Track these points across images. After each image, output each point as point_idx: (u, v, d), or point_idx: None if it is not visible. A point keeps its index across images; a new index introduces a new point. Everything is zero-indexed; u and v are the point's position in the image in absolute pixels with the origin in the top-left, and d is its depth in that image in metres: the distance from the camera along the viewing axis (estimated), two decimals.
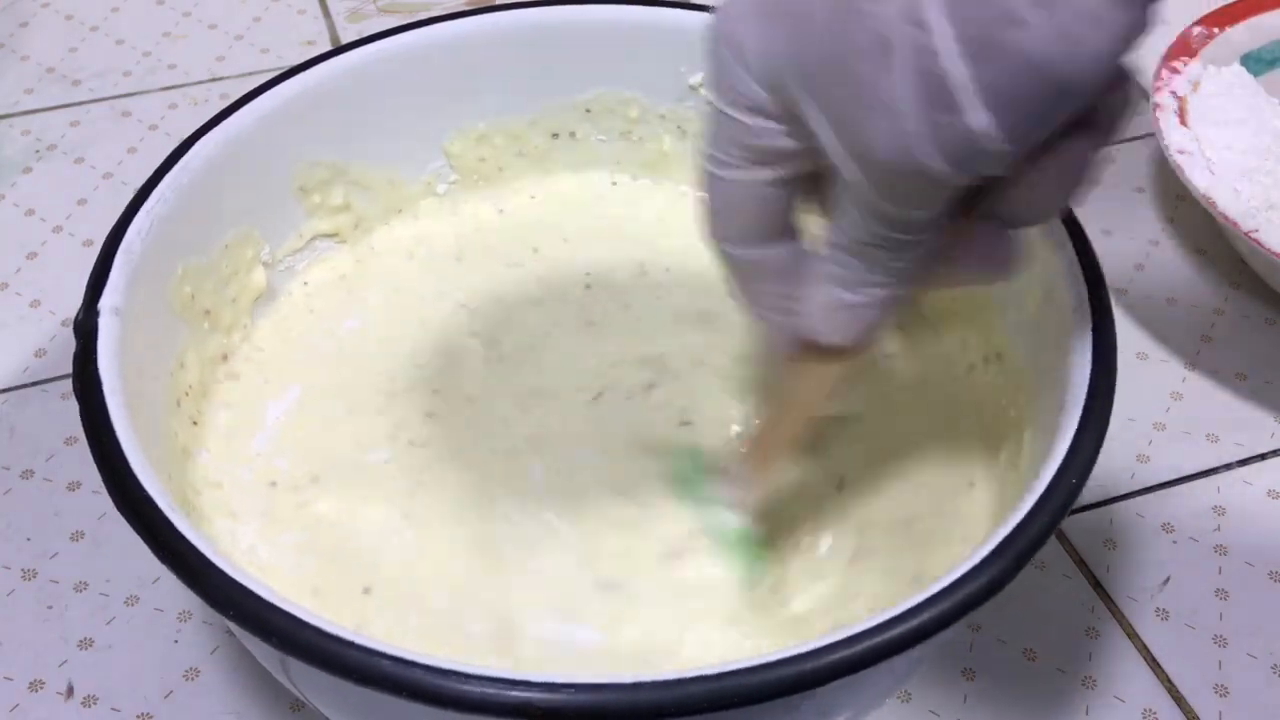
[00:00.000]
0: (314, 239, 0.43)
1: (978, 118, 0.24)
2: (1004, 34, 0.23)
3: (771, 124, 0.27)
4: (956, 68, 0.23)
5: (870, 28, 0.24)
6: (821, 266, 0.29)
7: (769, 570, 0.35)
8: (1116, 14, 0.23)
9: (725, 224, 0.30)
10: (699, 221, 0.30)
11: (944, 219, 0.27)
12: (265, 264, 0.41)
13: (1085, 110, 0.25)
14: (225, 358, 0.40)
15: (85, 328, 0.33)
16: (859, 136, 0.25)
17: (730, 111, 0.27)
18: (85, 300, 0.33)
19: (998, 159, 0.25)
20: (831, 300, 0.29)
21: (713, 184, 0.29)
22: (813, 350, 0.31)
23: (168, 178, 0.37)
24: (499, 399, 0.39)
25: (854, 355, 0.31)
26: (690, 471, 0.37)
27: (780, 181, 0.28)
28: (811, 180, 0.29)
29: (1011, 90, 0.23)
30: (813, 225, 0.30)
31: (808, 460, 0.37)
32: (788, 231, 0.30)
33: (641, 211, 0.46)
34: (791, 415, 0.34)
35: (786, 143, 0.27)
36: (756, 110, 0.27)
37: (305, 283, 0.43)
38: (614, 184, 0.47)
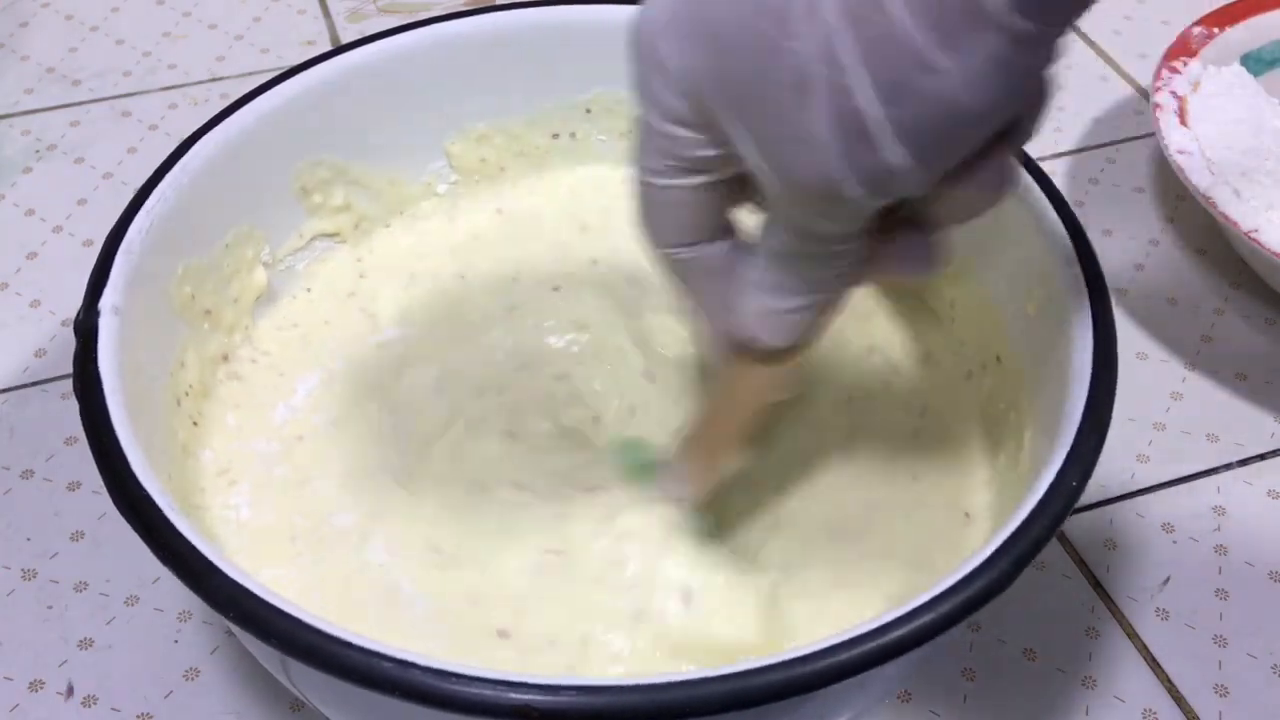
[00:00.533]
0: (315, 239, 0.43)
1: (894, 153, 0.24)
2: (917, 79, 0.23)
3: (695, 134, 0.27)
4: (873, 108, 0.24)
5: (789, 64, 0.24)
6: (752, 274, 0.30)
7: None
8: (1022, 56, 0.23)
9: (659, 228, 0.30)
10: (635, 225, 0.30)
11: (863, 233, 0.28)
12: (266, 264, 0.41)
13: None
14: (226, 358, 0.40)
15: (85, 327, 0.33)
16: (780, 160, 0.26)
17: (654, 122, 0.28)
18: (85, 299, 0.33)
19: (915, 185, 0.25)
20: (763, 307, 0.30)
21: (645, 191, 0.29)
22: (751, 351, 0.31)
23: (168, 177, 0.37)
24: (501, 398, 0.39)
25: (792, 355, 0.31)
26: (635, 461, 0.38)
27: (709, 186, 0.29)
28: (741, 182, 0.29)
29: (926, 127, 0.24)
30: (747, 219, 0.31)
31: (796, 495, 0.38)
32: (721, 230, 0.30)
33: None
34: (733, 412, 0.34)
35: (711, 151, 0.28)
36: (679, 121, 0.27)
37: (306, 283, 0.43)
38: (623, 171, 0.47)
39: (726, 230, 0.30)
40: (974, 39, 0.23)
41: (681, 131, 0.27)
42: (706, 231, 0.30)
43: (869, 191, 0.25)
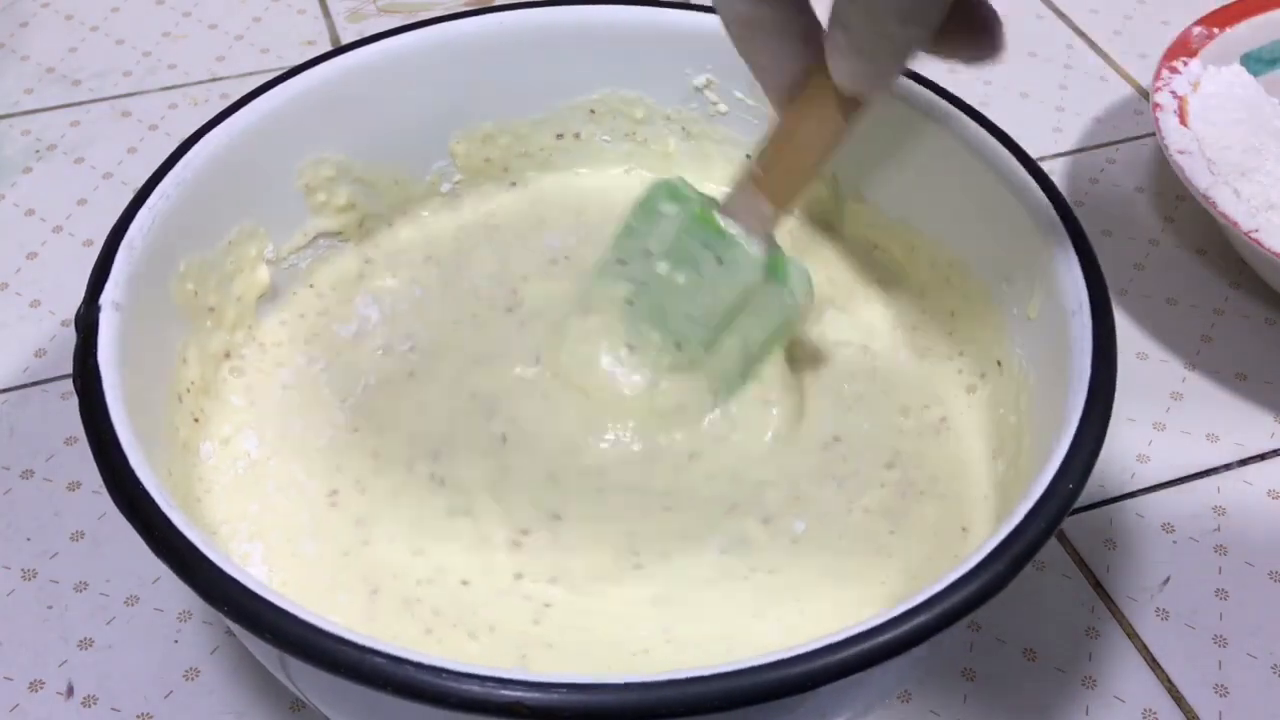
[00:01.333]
0: (318, 237, 0.43)
1: None
2: None
3: None
4: None
5: None
6: (839, 38, 0.31)
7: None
8: None
9: None
10: None
11: None
12: (269, 262, 0.41)
13: None
14: (228, 354, 0.40)
15: (86, 322, 0.33)
16: None
17: None
18: (86, 295, 0.33)
19: None
20: (853, 64, 0.31)
21: None
22: (828, 90, 0.33)
23: (170, 174, 0.37)
24: (503, 395, 0.39)
25: (869, 100, 0.34)
26: (674, 203, 0.38)
27: None
28: None
29: None
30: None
31: None
32: None
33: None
34: (806, 151, 0.35)
35: None
36: None
37: (310, 281, 0.43)
38: (627, 171, 0.47)
39: None
40: None
41: None
42: None
43: None
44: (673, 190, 0.38)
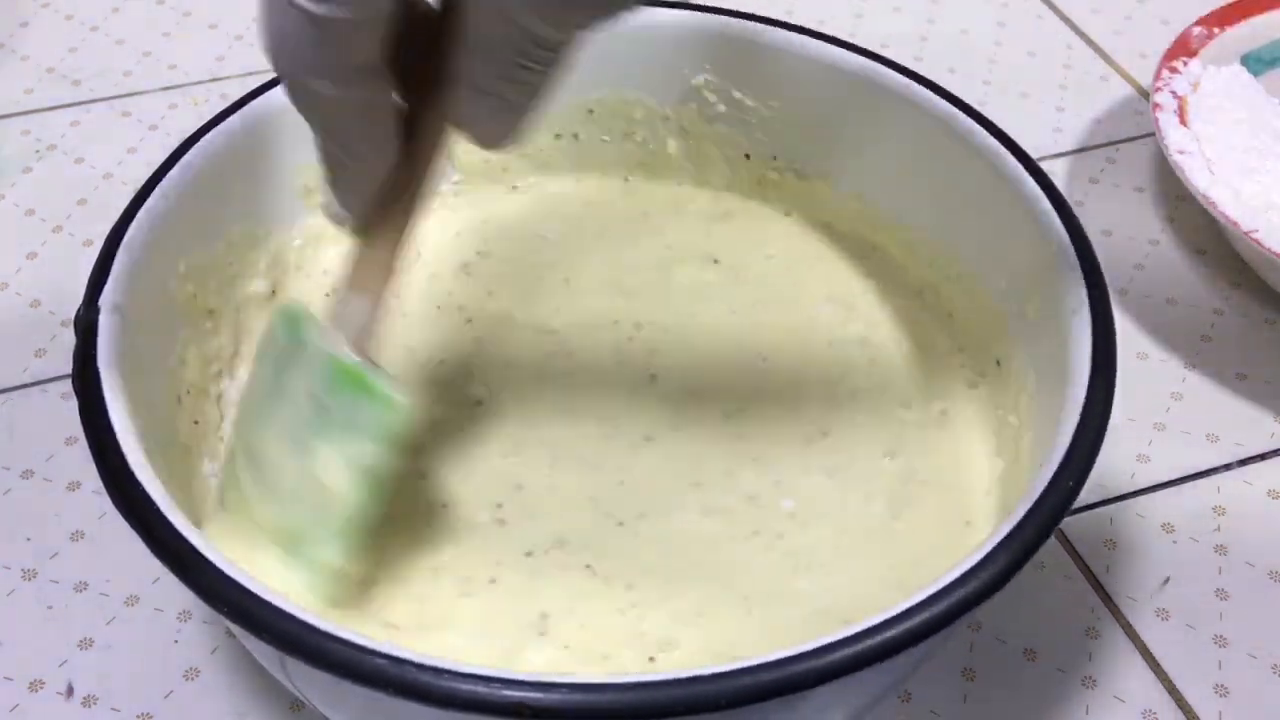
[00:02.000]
0: (318, 237, 0.43)
1: None
2: None
3: None
4: None
5: None
6: (473, 100, 0.29)
7: None
8: None
9: (301, 53, 0.27)
10: (264, 50, 0.28)
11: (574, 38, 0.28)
12: (268, 262, 0.41)
13: None
14: (228, 356, 0.40)
15: (85, 324, 0.33)
16: None
17: None
18: (86, 296, 0.33)
19: None
20: (488, 120, 0.30)
21: (283, 11, 0.26)
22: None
23: (170, 175, 0.37)
24: (506, 394, 0.39)
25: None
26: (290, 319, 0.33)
27: (364, 23, 0.27)
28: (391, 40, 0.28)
29: None
30: None
31: None
32: (375, 73, 0.29)
33: (649, 209, 0.46)
34: (388, 235, 0.32)
35: None
36: None
37: (309, 280, 0.43)
38: (626, 180, 0.47)
39: (379, 76, 0.29)
40: None
41: None
42: (366, 60, 0.28)
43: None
44: (293, 313, 0.33)
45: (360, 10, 0.27)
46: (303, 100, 0.29)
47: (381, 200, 0.32)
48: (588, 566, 0.35)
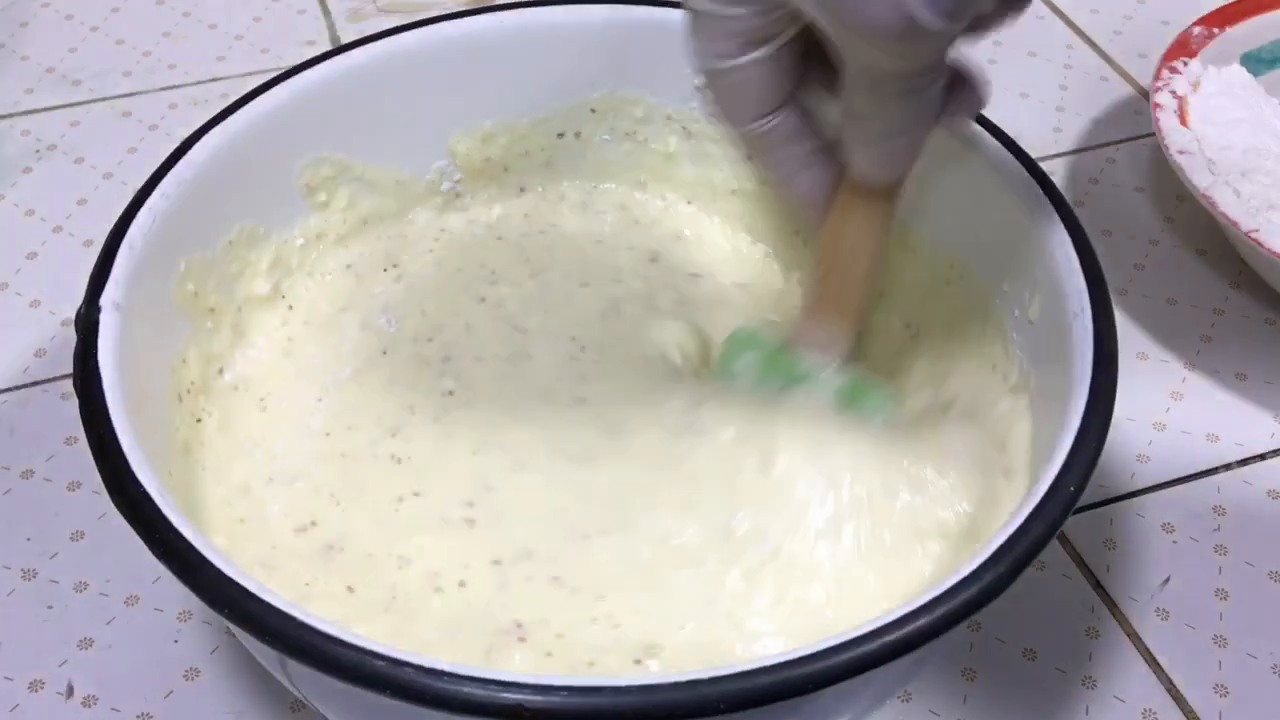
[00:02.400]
0: (319, 236, 0.43)
1: None
2: None
3: (755, 9, 0.32)
4: None
5: None
6: (851, 131, 0.33)
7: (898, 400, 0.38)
8: None
9: (738, 109, 0.35)
10: (713, 118, 0.36)
11: (943, 63, 0.31)
12: (270, 261, 0.41)
13: None
14: (229, 354, 0.40)
15: (86, 323, 0.33)
16: (859, 17, 0.28)
17: (715, 9, 0.33)
18: (87, 295, 0.33)
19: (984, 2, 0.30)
20: (870, 152, 0.33)
21: (714, 79, 0.34)
22: (858, 191, 0.35)
23: (171, 174, 0.37)
24: (506, 393, 0.39)
25: (896, 188, 0.35)
26: (749, 352, 0.38)
27: (773, 57, 0.33)
28: (798, 53, 0.34)
29: None
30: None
31: None
32: (788, 99, 0.35)
33: (650, 209, 0.46)
34: (850, 256, 0.36)
35: (772, 17, 0.32)
36: (739, 3, 0.32)
37: (310, 280, 0.43)
38: (626, 180, 0.47)
39: (792, 100, 0.35)
40: None
41: (740, 10, 0.32)
42: (777, 100, 0.34)
43: (948, 20, 0.28)
44: (745, 340, 0.39)
45: (757, 53, 0.33)
46: (744, 143, 0.36)
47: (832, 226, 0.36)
48: (555, 579, 0.35)
